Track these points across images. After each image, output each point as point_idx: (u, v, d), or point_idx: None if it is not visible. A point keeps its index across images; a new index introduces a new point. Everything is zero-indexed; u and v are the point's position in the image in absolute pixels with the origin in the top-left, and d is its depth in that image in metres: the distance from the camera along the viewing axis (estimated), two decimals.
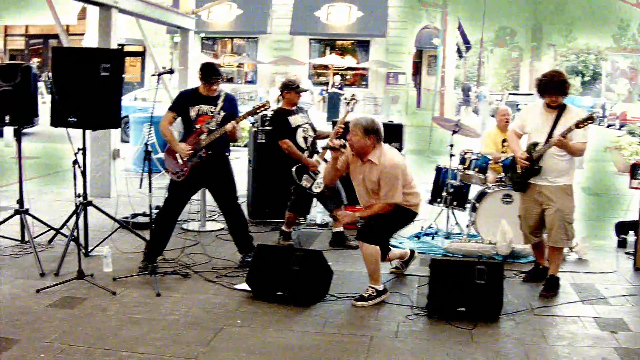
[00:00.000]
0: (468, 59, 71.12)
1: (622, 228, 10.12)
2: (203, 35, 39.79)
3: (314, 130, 9.30)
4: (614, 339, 6.33)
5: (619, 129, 33.58)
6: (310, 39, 42.71)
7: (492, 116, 33.40)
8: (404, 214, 7.40)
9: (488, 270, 6.70)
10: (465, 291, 6.69)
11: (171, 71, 8.26)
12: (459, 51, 50.77)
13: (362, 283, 7.50)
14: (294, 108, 9.23)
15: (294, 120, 9.12)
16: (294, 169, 8.92)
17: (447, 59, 41.02)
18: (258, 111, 8.26)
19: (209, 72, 7.95)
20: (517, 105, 43.51)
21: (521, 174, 7.73)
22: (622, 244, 9.85)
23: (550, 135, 7.46)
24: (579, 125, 7.15)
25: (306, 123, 9.23)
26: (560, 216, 7.49)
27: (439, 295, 6.74)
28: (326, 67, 42.97)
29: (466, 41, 52.95)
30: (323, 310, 6.86)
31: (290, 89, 9.19)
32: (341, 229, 9.36)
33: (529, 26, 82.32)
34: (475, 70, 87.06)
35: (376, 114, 38.00)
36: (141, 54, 40.76)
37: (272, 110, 9.32)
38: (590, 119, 7.16)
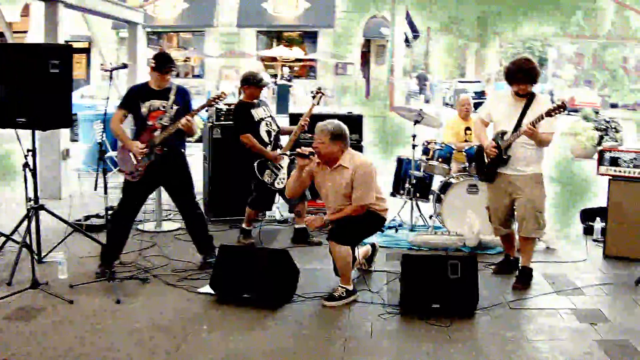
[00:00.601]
0: (414, 48, 71.13)
1: (588, 215, 10.00)
2: (149, 29, 39.17)
3: (276, 124, 9.02)
4: (594, 331, 6.16)
5: (568, 114, 33.77)
6: (258, 31, 42.31)
7: (447, 105, 33.56)
8: (373, 219, 7.15)
9: (462, 264, 6.49)
10: (439, 287, 6.47)
11: (124, 66, 7.88)
12: (406, 40, 50.66)
13: (328, 281, 7.32)
14: (255, 101, 8.93)
15: (257, 113, 8.82)
16: (255, 163, 8.63)
17: (396, 48, 40.85)
18: (213, 102, 7.82)
19: (163, 61, 7.54)
20: (466, 92, 43.66)
21: (489, 164, 7.52)
22: (588, 231, 9.72)
23: (518, 123, 7.26)
24: (550, 113, 6.96)
25: (269, 116, 8.95)
26: (531, 206, 7.30)
27: (412, 292, 6.52)
28: (274, 59, 42.57)
29: (414, 30, 52.92)
30: (292, 312, 6.57)
31: (250, 83, 8.88)
32: (303, 225, 9.07)
33: (474, 14, 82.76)
34: (421, 59, 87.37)
35: (325, 105, 37.80)
36: (86, 51, 40.03)
37: (232, 103, 9.00)
38: (562, 107, 6.96)
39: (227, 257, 6.85)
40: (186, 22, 41.12)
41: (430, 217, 10.01)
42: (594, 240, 9.32)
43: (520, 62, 7.25)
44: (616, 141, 18.50)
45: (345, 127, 7.00)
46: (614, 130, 18.76)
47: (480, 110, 7.89)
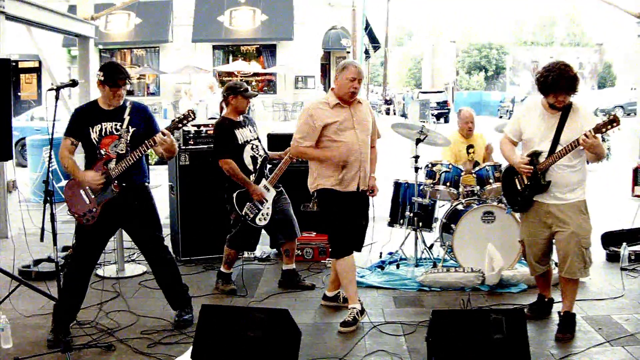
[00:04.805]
0: (370, 60, 70.56)
1: (611, 239, 8.84)
2: (101, 47, 37.69)
3: (263, 148, 7.68)
4: None
5: None
6: (213, 46, 41.01)
7: (423, 121, 32.47)
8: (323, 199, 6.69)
9: (507, 320, 5.18)
10: (479, 349, 5.15)
11: (74, 83, 6.39)
12: (366, 52, 49.75)
13: (332, 337, 6.21)
14: (240, 118, 7.56)
15: (242, 134, 7.44)
16: (235, 194, 7.29)
17: (357, 59, 39.77)
18: (180, 124, 6.23)
19: (113, 72, 6.11)
20: (429, 103, 42.72)
21: (523, 191, 6.26)
22: (612, 257, 8.61)
23: (555, 141, 6.02)
24: (600, 130, 5.71)
25: (255, 138, 7.58)
26: (576, 241, 6.03)
27: (445, 356, 5.18)
28: (231, 74, 41.15)
29: (374, 41, 52.10)
30: None
31: (237, 92, 7.45)
32: (292, 266, 7.77)
33: (429, 24, 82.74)
34: (376, 70, 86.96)
35: (286, 121, 36.63)
36: (37, 70, 38.38)
37: (201, 125, 7.66)
38: (614, 122, 5.69)
39: (210, 320, 5.42)
40: (140, 37, 39.70)
41: (431, 246, 8.76)
42: (622, 269, 8.15)
43: (559, 69, 5.92)
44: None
45: None
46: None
47: (507, 126, 6.58)
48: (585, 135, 5.72)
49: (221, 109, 7.76)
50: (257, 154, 7.48)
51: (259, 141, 7.64)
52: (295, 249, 7.84)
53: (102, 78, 6.09)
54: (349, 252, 6.58)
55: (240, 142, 7.37)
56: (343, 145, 6.38)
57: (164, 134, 5.98)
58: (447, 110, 46.35)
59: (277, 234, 7.66)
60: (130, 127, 6.17)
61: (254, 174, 7.40)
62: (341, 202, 6.47)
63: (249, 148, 7.42)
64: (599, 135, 5.75)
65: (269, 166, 7.72)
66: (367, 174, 6.59)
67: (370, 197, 6.75)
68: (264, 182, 7.46)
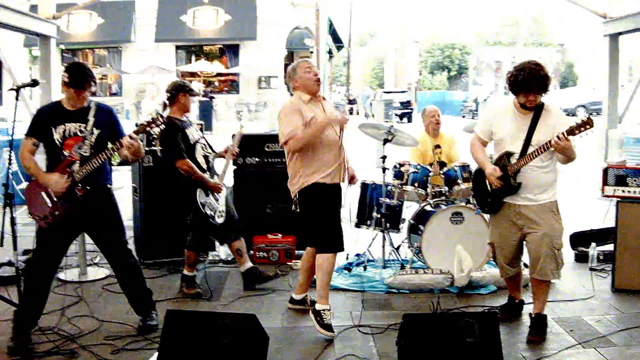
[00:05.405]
0: (333, 60, 70.47)
1: (579, 239, 8.80)
2: (63, 47, 37.17)
3: (210, 147, 7.60)
4: None
5: None
6: (177, 46, 40.67)
7: (387, 121, 32.42)
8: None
9: (479, 324, 5.06)
10: (451, 353, 5.03)
11: (34, 83, 6.21)
12: (329, 52, 49.69)
13: (300, 341, 6.06)
14: (185, 118, 7.50)
15: (192, 134, 7.38)
16: (197, 192, 7.21)
17: (320, 59, 39.65)
18: (148, 128, 6.08)
19: (80, 74, 5.91)
20: (392, 103, 42.73)
21: (493, 192, 6.17)
22: (581, 258, 8.56)
23: (527, 142, 5.94)
24: (573, 132, 5.61)
25: (202, 137, 7.55)
26: (548, 242, 5.96)
27: None
28: (194, 74, 40.83)
29: (337, 41, 52.01)
30: None
31: (186, 90, 7.48)
32: (249, 264, 7.63)
33: (392, 24, 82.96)
34: (339, 70, 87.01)
35: (250, 121, 36.44)
36: None
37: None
38: (587, 125, 5.58)
39: (176, 326, 5.26)
40: (102, 37, 39.22)
41: (398, 247, 8.64)
42: (591, 269, 8.18)
43: (530, 68, 5.84)
44: None
45: None
46: None
47: (477, 126, 6.47)
48: (557, 137, 5.64)
49: (164, 107, 7.62)
50: (207, 152, 7.48)
51: (206, 140, 7.61)
52: (244, 247, 7.66)
53: (67, 80, 5.91)
54: (340, 246, 6.44)
55: (192, 142, 7.32)
56: (324, 137, 6.27)
57: (132, 138, 5.84)
58: (410, 110, 46.46)
59: (226, 233, 7.58)
60: (94, 128, 6.01)
61: (207, 172, 7.37)
62: (329, 196, 6.36)
63: (199, 147, 7.40)
64: (572, 138, 5.67)
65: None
66: (346, 165, 6.57)
67: (341, 195, 6.63)
68: (215, 179, 7.42)
